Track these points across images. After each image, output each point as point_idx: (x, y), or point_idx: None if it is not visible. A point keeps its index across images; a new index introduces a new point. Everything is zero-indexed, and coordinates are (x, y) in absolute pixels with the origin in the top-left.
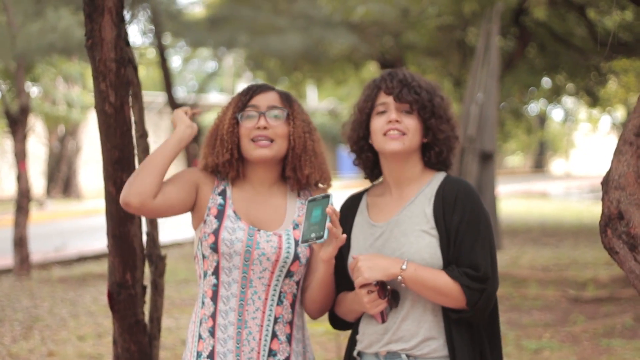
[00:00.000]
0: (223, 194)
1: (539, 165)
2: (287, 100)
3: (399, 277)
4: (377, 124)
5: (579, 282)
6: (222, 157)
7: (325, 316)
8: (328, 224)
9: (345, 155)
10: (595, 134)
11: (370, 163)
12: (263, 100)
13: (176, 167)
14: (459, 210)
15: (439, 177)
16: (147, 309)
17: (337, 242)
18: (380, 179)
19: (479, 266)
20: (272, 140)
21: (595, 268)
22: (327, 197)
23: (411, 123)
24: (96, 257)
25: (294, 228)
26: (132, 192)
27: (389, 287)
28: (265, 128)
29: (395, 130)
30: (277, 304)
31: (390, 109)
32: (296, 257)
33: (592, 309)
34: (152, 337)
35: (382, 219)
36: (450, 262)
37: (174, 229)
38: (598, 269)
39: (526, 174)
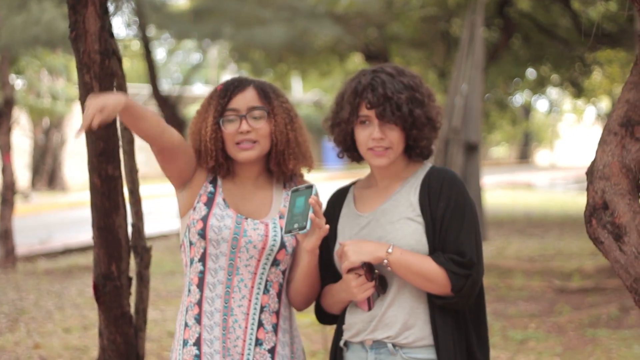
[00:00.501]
0: (214, 182)
1: (524, 156)
2: (266, 97)
3: (385, 261)
4: (361, 136)
5: (564, 272)
6: (208, 164)
7: (311, 307)
8: (311, 214)
9: (330, 147)
10: (580, 125)
11: (357, 158)
12: (242, 101)
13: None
14: (444, 197)
15: (424, 168)
16: (132, 300)
17: (320, 233)
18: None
19: (464, 252)
20: (255, 141)
21: (580, 258)
22: (310, 187)
23: (394, 136)
24: (82, 249)
25: (280, 217)
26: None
27: (376, 270)
28: (248, 132)
29: (380, 150)
30: (264, 293)
31: (373, 124)
32: (282, 246)
33: (578, 300)
34: (137, 329)
35: (368, 210)
36: (436, 249)
37: (160, 221)
38: (583, 259)
39: (511, 165)
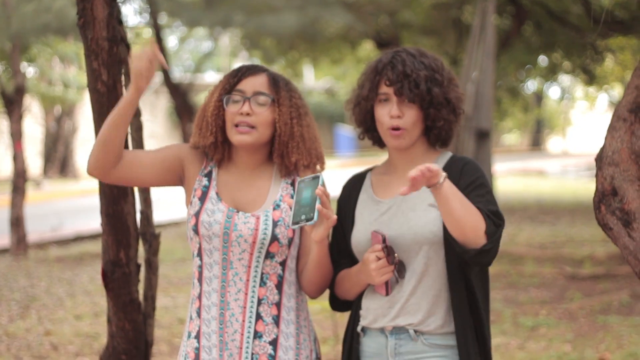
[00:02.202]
0: (209, 175)
1: (536, 143)
2: (275, 85)
3: (443, 175)
4: (381, 114)
5: (575, 259)
6: (206, 140)
7: (322, 294)
8: (318, 205)
9: (343, 134)
10: (592, 112)
11: (377, 139)
12: (250, 84)
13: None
14: (465, 176)
15: (445, 156)
16: (141, 287)
17: (328, 223)
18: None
19: (493, 209)
20: (253, 127)
21: (592, 245)
22: (317, 177)
23: (412, 114)
24: (93, 237)
25: (274, 209)
26: (91, 164)
27: (396, 255)
28: (248, 114)
29: (398, 129)
30: (260, 286)
31: (392, 101)
32: (274, 238)
33: (589, 286)
34: (146, 316)
35: (387, 196)
36: None
37: (171, 208)
38: (595, 246)
39: (523, 152)
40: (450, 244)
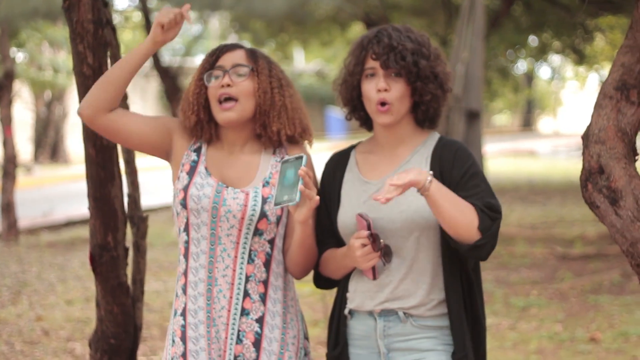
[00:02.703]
0: (198, 150)
1: (526, 123)
2: (253, 57)
3: (429, 178)
4: (367, 89)
5: (566, 239)
6: (190, 120)
7: (311, 276)
8: (300, 186)
9: (334, 116)
10: (583, 92)
11: (363, 119)
12: (228, 59)
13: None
14: (457, 166)
15: (433, 138)
16: (130, 271)
17: (310, 204)
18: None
19: (489, 203)
20: (236, 100)
21: (582, 225)
22: (300, 158)
23: (399, 88)
24: (84, 222)
25: (263, 186)
26: (85, 103)
27: (382, 240)
28: (228, 86)
29: (385, 104)
30: (248, 262)
31: (379, 75)
32: (263, 215)
33: (580, 266)
34: (135, 299)
35: (375, 177)
36: None
37: (162, 192)
38: (586, 226)
39: (514, 133)
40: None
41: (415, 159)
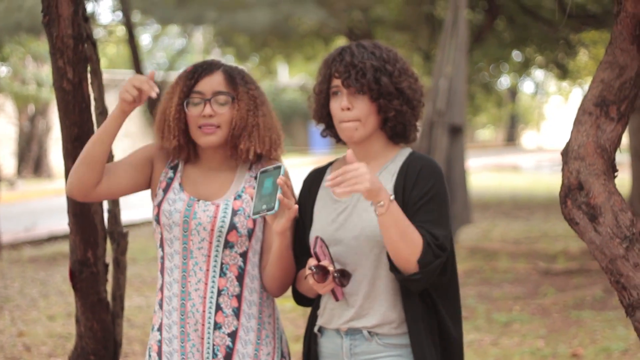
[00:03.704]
0: (175, 167)
1: (510, 138)
2: (232, 83)
3: (381, 203)
4: (334, 107)
5: (549, 254)
6: (170, 144)
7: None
8: (279, 195)
9: (317, 131)
10: (566, 107)
11: (337, 136)
12: (208, 85)
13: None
14: (419, 186)
15: (403, 153)
16: (110, 287)
17: (289, 214)
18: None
19: (438, 237)
20: (218, 127)
21: (565, 240)
22: (279, 167)
23: (363, 106)
24: (67, 237)
25: (235, 199)
26: (73, 185)
27: (331, 268)
28: (211, 116)
29: (349, 122)
30: (220, 276)
31: (342, 93)
32: (232, 227)
33: (563, 281)
34: (115, 315)
35: (345, 194)
36: None
37: (144, 208)
38: (568, 241)
39: (498, 147)
40: None
41: (383, 175)
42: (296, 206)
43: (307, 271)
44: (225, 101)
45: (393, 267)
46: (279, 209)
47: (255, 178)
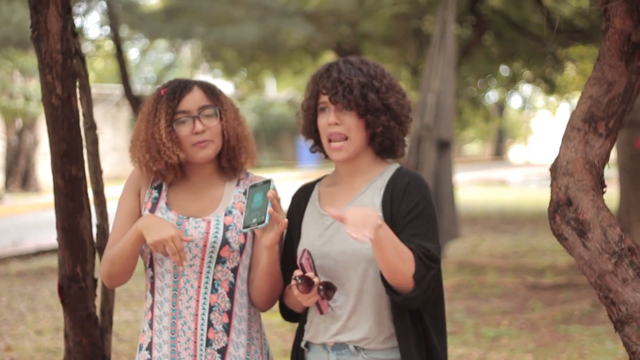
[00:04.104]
0: (159, 187)
1: (498, 153)
2: (213, 94)
3: (379, 222)
4: (321, 123)
5: (537, 269)
6: (160, 164)
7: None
8: (269, 208)
9: (305, 145)
10: (554, 121)
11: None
12: (191, 102)
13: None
14: (407, 200)
15: (391, 169)
16: (98, 302)
17: (279, 227)
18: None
19: (429, 249)
20: (211, 140)
21: (553, 255)
22: (268, 182)
23: (351, 122)
24: (54, 251)
25: (225, 214)
26: (112, 278)
27: (316, 280)
28: (203, 131)
29: (337, 142)
30: (212, 292)
31: (330, 109)
32: (225, 242)
33: (551, 296)
34: (103, 330)
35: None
36: None
37: None
38: (556, 255)
39: (485, 162)
40: None
41: (371, 190)
42: (285, 220)
43: (292, 281)
44: (212, 114)
45: (390, 290)
46: (269, 223)
47: (244, 194)
